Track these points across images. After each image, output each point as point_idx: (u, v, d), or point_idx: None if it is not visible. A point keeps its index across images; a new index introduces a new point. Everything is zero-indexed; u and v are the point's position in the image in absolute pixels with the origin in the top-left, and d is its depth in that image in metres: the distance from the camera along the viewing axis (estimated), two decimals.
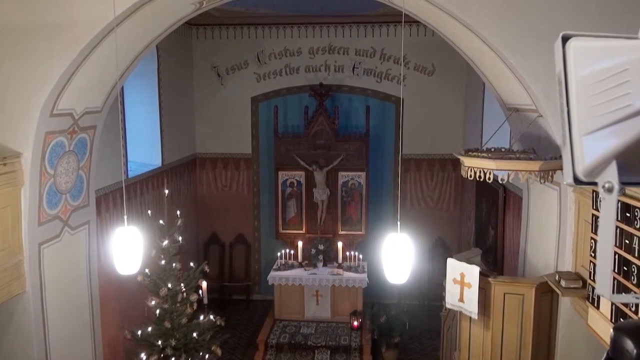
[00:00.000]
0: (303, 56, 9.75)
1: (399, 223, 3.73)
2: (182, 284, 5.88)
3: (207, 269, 6.25)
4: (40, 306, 4.76)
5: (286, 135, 9.47)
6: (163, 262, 5.81)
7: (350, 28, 9.61)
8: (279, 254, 9.14)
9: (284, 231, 9.57)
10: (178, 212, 6.19)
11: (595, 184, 1.08)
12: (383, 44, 9.57)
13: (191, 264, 6.33)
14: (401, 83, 9.44)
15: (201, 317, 6.12)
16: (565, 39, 1.02)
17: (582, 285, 4.33)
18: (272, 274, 8.76)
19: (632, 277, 3.40)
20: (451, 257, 5.35)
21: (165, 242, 5.82)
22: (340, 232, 9.41)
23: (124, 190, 4.91)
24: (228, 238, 10.24)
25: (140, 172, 7.64)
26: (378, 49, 9.61)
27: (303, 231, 9.46)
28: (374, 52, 9.65)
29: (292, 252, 9.14)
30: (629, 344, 1.12)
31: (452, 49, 5.59)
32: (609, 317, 3.73)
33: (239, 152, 10.11)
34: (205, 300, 6.71)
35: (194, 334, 5.87)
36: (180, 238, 6.05)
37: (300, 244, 9.14)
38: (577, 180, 1.07)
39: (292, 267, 8.95)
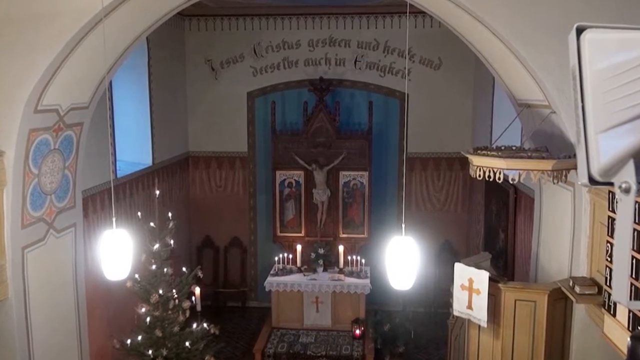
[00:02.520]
0: (302, 49, 9.74)
1: (403, 225, 3.72)
2: (173, 290, 5.88)
3: (200, 274, 6.26)
4: (23, 314, 4.76)
5: (284, 132, 9.47)
6: (154, 267, 5.81)
7: (352, 19, 9.60)
8: (276, 258, 9.14)
9: (282, 234, 9.57)
10: (170, 214, 6.19)
11: (611, 184, 1.07)
12: (387, 36, 9.57)
13: (183, 269, 6.33)
14: (406, 77, 9.43)
15: (194, 326, 6.12)
16: (580, 31, 1.02)
17: (597, 292, 4.32)
18: (270, 279, 8.76)
19: None
20: (459, 261, 5.34)
21: (156, 246, 5.82)
22: (342, 235, 9.42)
23: (112, 190, 4.92)
24: (223, 241, 10.24)
25: (129, 172, 7.64)
26: (381, 41, 9.61)
27: (302, 234, 9.46)
28: (377, 45, 9.64)
29: (290, 256, 9.13)
30: None
31: (459, 42, 5.59)
32: (626, 325, 3.73)
33: (234, 150, 10.11)
34: (199, 308, 6.72)
35: (187, 343, 5.87)
36: (172, 241, 6.05)
37: (299, 247, 9.14)
38: (592, 180, 1.07)
39: (290, 272, 8.94)
